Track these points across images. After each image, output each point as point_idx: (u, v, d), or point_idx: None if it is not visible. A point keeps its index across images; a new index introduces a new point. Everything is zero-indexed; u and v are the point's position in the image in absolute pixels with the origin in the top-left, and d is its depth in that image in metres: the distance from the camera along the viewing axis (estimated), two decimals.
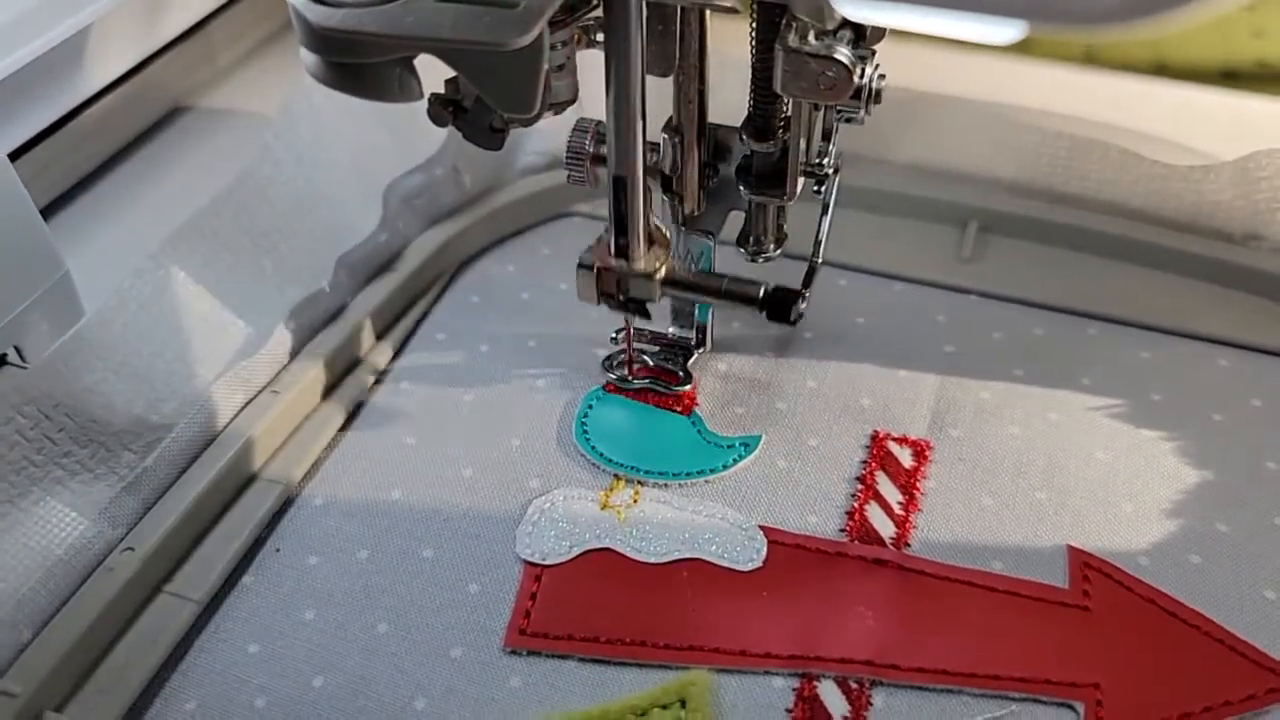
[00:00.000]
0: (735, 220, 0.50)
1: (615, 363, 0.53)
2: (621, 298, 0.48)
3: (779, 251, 0.50)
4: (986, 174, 0.60)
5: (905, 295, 0.57)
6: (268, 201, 0.53)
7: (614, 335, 0.53)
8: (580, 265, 0.48)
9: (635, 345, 0.52)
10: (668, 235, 0.49)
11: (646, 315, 0.49)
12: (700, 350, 0.53)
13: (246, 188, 0.52)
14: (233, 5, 0.72)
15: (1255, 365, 0.53)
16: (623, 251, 0.47)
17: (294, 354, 0.52)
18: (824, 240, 0.50)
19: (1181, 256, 0.57)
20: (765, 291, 0.48)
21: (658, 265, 0.47)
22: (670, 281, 0.48)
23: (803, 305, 0.48)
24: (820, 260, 0.50)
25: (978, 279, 0.58)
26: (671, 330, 0.54)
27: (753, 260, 0.50)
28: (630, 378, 0.52)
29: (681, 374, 0.52)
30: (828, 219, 0.50)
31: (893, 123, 0.61)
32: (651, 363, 0.53)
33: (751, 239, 0.50)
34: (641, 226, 0.46)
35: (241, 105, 0.70)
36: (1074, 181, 0.59)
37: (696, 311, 0.52)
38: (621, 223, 0.46)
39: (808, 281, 0.49)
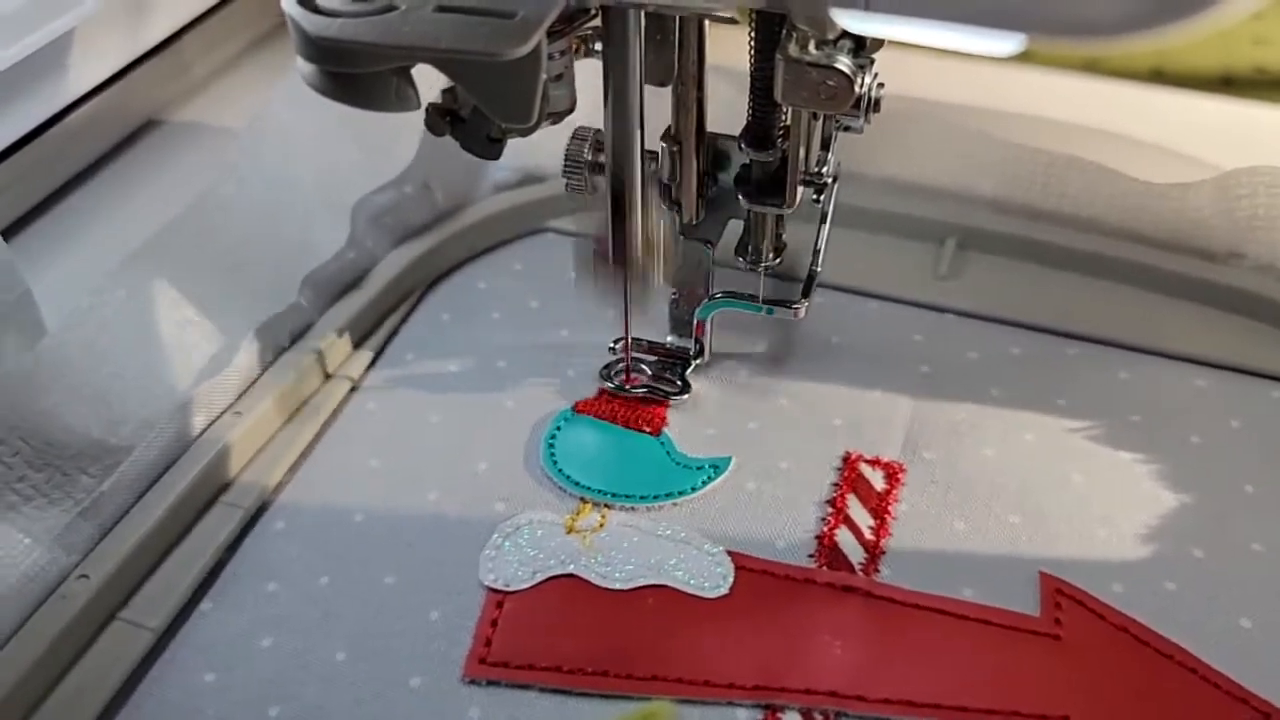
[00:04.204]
0: (734, 228, 0.50)
1: (613, 371, 0.52)
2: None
3: (778, 260, 0.50)
4: (964, 190, 0.60)
5: (880, 313, 0.57)
6: (232, 218, 0.52)
7: (612, 345, 0.52)
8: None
9: (633, 355, 0.52)
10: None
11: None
12: (698, 360, 0.52)
13: (210, 204, 0.52)
14: (208, 18, 0.71)
15: (1234, 386, 0.52)
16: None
17: (257, 375, 0.51)
18: (823, 249, 0.50)
19: (1161, 275, 0.56)
20: None
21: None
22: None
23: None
24: (819, 269, 0.50)
25: (954, 297, 0.57)
26: (670, 340, 0.53)
27: (751, 269, 0.50)
28: (628, 387, 0.52)
29: (680, 383, 0.52)
30: (826, 227, 0.50)
31: (870, 137, 0.60)
32: (650, 372, 0.52)
33: (750, 248, 0.50)
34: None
35: (216, 119, 0.70)
36: (1053, 198, 0.58)
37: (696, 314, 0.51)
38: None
39: (807, 289, 0.49)
